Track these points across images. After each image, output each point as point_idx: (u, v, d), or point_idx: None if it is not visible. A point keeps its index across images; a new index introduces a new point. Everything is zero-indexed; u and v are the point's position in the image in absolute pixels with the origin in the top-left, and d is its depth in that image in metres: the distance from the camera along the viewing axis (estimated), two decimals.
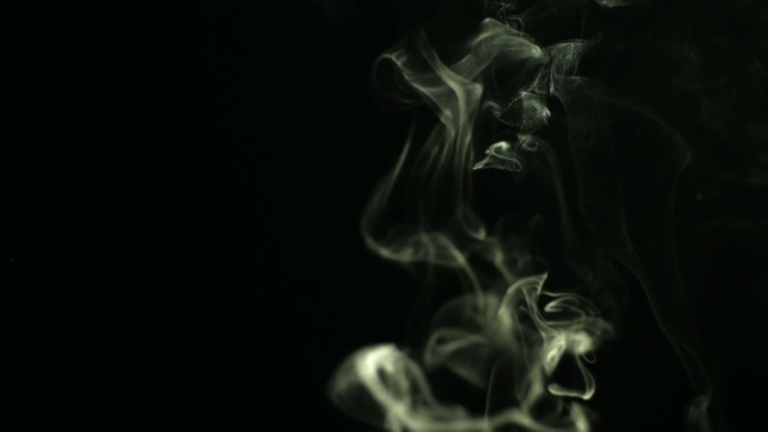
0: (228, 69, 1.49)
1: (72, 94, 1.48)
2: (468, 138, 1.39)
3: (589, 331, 1.37)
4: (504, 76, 1.41)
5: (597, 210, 1.39)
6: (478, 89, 1.39)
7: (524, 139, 1.40)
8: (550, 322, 1.37)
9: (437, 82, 1.39)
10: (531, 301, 1.37)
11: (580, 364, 1.36)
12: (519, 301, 1.37)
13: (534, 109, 1.41)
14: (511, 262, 1.38)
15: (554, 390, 1.36)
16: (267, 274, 1.48)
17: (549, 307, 1.38)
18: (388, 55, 1.39)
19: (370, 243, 1.38)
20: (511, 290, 1.37)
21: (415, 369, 1.36)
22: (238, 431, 1.46)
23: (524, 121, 1.40)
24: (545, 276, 1.37)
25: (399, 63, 1.39)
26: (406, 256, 1.39)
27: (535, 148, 1.40)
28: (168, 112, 1.48)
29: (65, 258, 1.47)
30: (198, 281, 1.47)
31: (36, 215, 1.46)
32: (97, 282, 1.47)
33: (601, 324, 1.37)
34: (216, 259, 1.48)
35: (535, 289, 1.37)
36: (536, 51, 1.39)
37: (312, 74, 1.48)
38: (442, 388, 1.36)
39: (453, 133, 1.39)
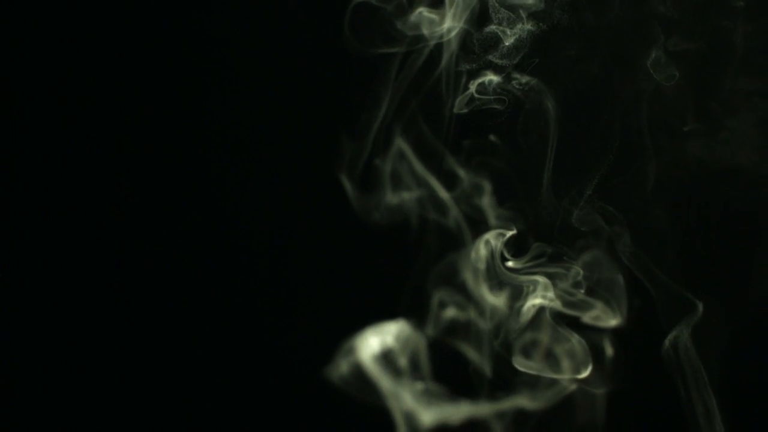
0: (191, 22, 1.47)
1: (68, 93, 1.48)
2: (455, 74, 1.35)
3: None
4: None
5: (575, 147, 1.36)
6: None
7: (514, 76, 1.36)
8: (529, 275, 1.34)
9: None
10: (498, 250, 1.33)
11: (575, 339, 1.33)
12: (497, 258, 1.34)
13: (511, 35, 1.35)
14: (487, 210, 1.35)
15: (549, 373, 1.33)
16: (257, 256, 1.47)
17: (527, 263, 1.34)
18: None
19: (355, 200, 1.36)
20: (485, 243, 1.34)
21: (419, 345, 1.33)
22: (239, 416, 1.45)
23: (506, 50, 1.36)
24: (514, 231, 1.34)
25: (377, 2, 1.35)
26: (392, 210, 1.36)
27: (525, 87, 1.36)
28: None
29: (63, 257, 1.48)
30: (192, 260, 1.47)
31: (35, 216, 1.47)
32: (90, 265, 1.47)
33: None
34: (206, 236, 1.47)
35: (504, 237, 1.34)
36: None
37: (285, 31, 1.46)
38: (444, 365, 1.34)
39: (440, 67, 1.35)
